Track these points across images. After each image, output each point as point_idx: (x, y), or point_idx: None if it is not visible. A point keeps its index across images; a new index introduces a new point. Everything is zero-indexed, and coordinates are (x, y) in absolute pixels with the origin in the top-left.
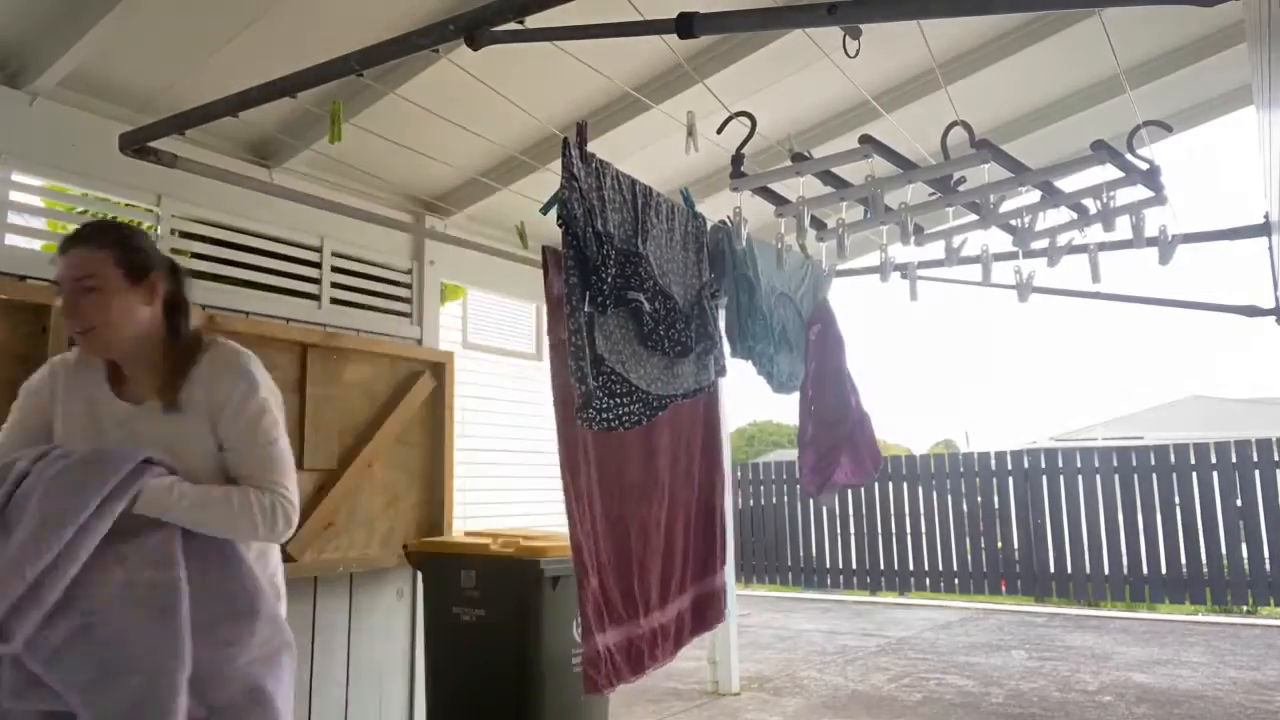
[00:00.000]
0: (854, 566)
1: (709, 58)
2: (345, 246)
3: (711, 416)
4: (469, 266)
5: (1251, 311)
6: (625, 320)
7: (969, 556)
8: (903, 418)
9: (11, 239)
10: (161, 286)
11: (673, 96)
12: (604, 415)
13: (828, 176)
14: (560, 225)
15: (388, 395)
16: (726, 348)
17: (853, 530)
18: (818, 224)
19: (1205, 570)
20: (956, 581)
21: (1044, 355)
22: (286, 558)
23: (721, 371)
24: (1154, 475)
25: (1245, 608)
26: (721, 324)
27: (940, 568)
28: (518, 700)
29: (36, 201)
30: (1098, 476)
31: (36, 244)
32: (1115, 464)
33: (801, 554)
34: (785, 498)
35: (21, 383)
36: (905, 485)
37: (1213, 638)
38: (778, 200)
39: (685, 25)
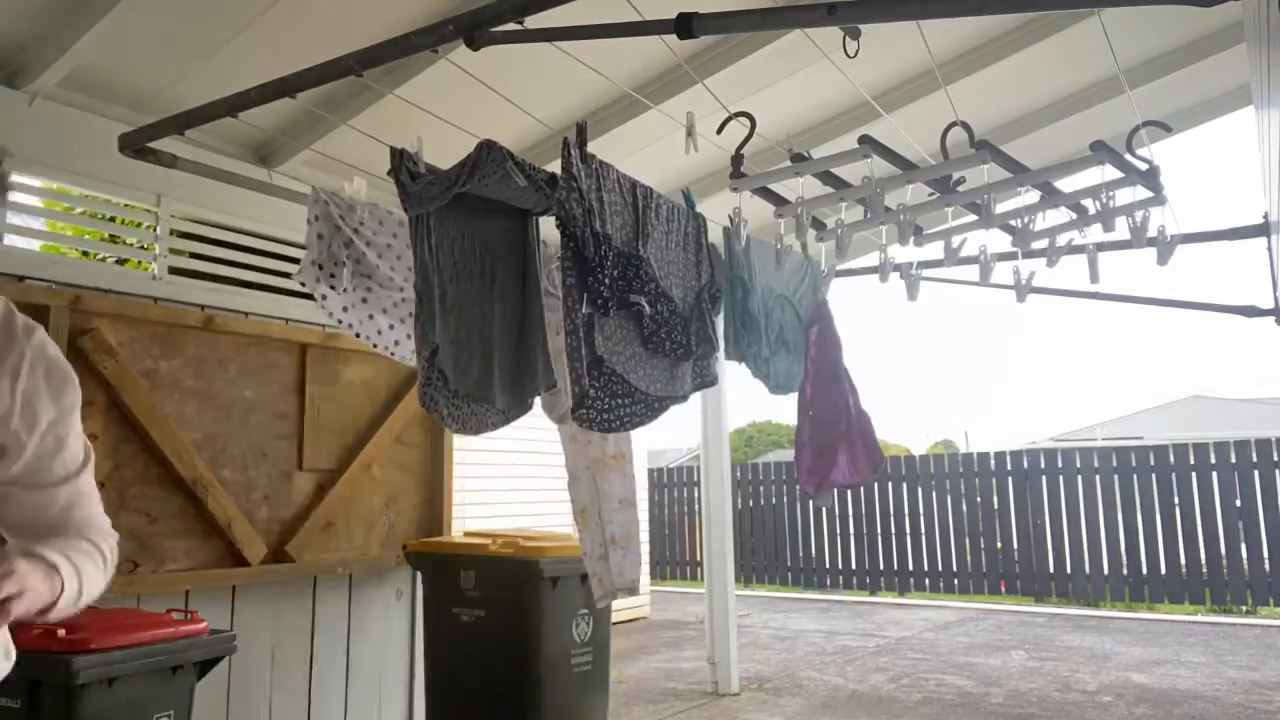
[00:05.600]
0: (853, 567)
1: (709, 58)
2: None
3: None
4: None
5: (1251, 311)
6: (626, 322)
7: (968, 557)
8: (903, 418)
9: (11, 239)
10: None
11: (673, 97)
12: (605, 416)
13: (827, 177)
14: (558, 227)
15: (388, 395)
16: (722, 351)
17: (852, 530)
18: (817, 224)
19: (1205, 570)
20: (956, 582)
21: (1043, 355)
22: (285, 558)
23: (712, 380)
24: (1154, 475)
25: (1244, 608)
26: (720, 326)
27: (940, 568)
28: (517, 700)
29: (36, 202)
30: (1097, 476)
31: (36, 244)
32: (1115, 464)
33: (801, 554)
34: (785, 498)
35: None
36: (905, 485)
37: (1212, 638)
38: (777, 200)
39: (685, 25)
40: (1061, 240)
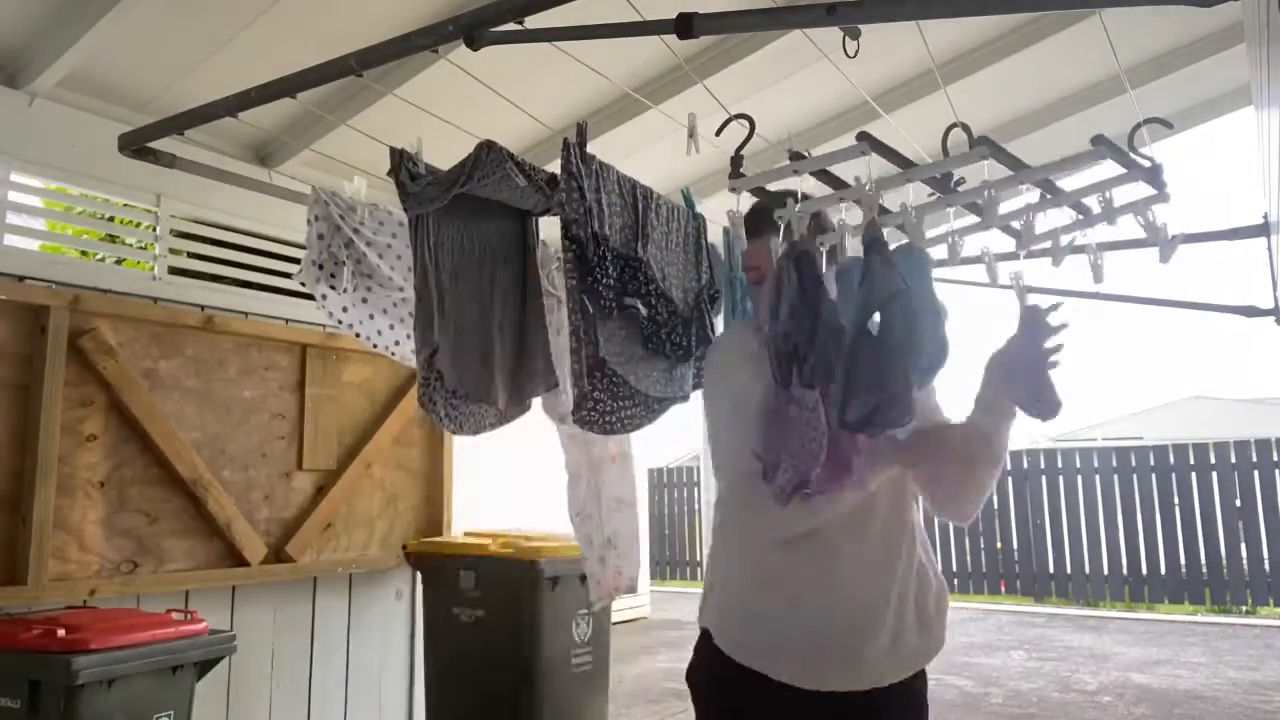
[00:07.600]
0: None
1: (709, 58)
2: None
3: None
4: None
5: (1251, 312)
6: (628, 324)
7: (968, 557)
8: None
9: (10, 239)
10: None
11: (672, 97)
12: (607, 418)
13: (827, 177)
14: (561, 228)
15: (387, 395)
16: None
17: None
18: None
19: (1204, 570)
20: (956, 581)
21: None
22: (285, 558)
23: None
24: (1154, 475)
25: (1244, 608)
26: (720, 326)
27: (940, 568)
28: (517, 700)
29: (36, 202)
30: (1097, 476)
31: (35, 244)
32: (1115, 464)
33: None
34: None
35: (20, 382)
36: None
37: (1212, 638)
38: (778, 200)
39: (685, 25)
40: (1064, 240)
